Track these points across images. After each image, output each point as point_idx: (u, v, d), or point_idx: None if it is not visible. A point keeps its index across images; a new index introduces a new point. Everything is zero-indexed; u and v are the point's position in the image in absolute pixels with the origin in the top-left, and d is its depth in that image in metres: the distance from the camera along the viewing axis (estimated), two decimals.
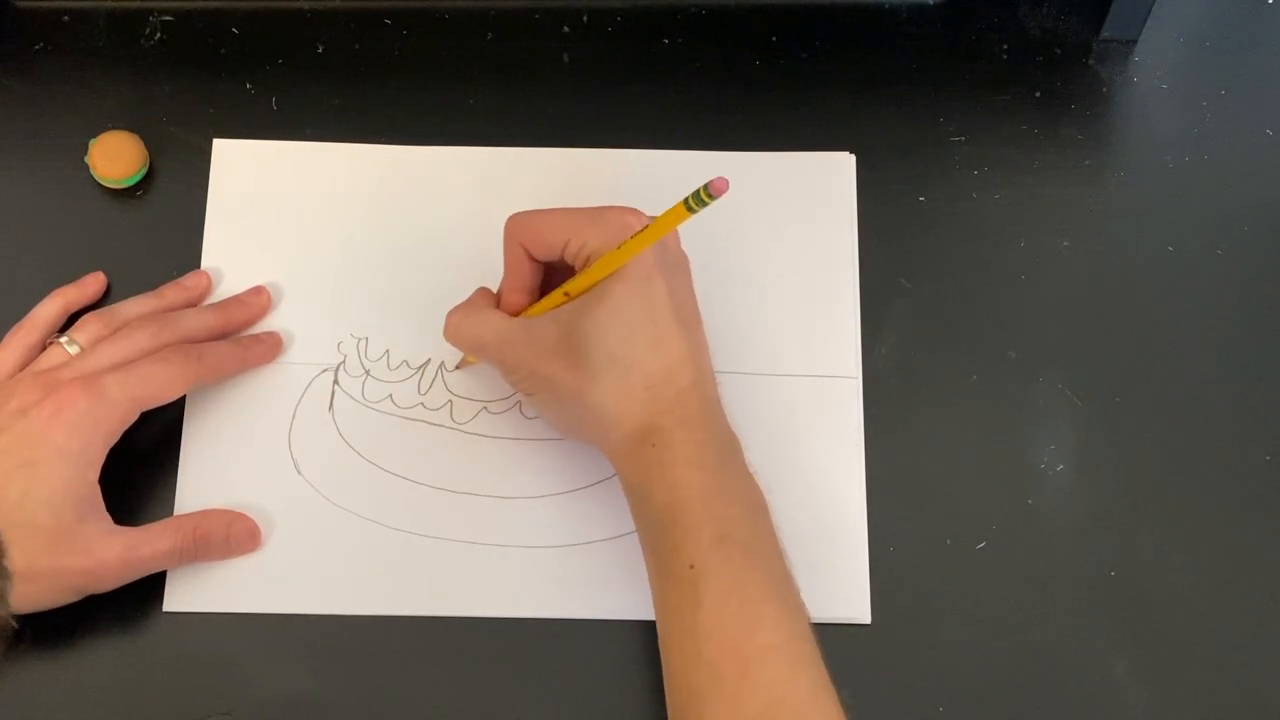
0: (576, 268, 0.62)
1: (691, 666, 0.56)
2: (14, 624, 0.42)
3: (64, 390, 0.61)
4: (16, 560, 0.59)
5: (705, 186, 0.54)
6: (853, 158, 0.73)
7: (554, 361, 0.60)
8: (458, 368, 0.69)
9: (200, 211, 0.71)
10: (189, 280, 0.69)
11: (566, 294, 0.62)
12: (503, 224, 0.71)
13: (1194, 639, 0.66)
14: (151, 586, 0.64)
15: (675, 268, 0.62)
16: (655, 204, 0.71)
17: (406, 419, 0.68)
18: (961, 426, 0.69)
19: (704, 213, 0.72)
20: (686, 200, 0.55)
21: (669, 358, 0.60)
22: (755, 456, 0.66)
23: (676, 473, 0.58)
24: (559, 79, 0.75)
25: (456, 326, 0.65)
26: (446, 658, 0.65)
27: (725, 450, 0.60)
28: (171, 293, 0.69)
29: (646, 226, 0.59)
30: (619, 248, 0.59)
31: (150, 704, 0.64)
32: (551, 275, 0.64)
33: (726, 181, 0.54)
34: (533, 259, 0.63)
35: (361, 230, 0.71)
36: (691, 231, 0.71)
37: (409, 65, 0.75)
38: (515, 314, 0.64)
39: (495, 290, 0.66)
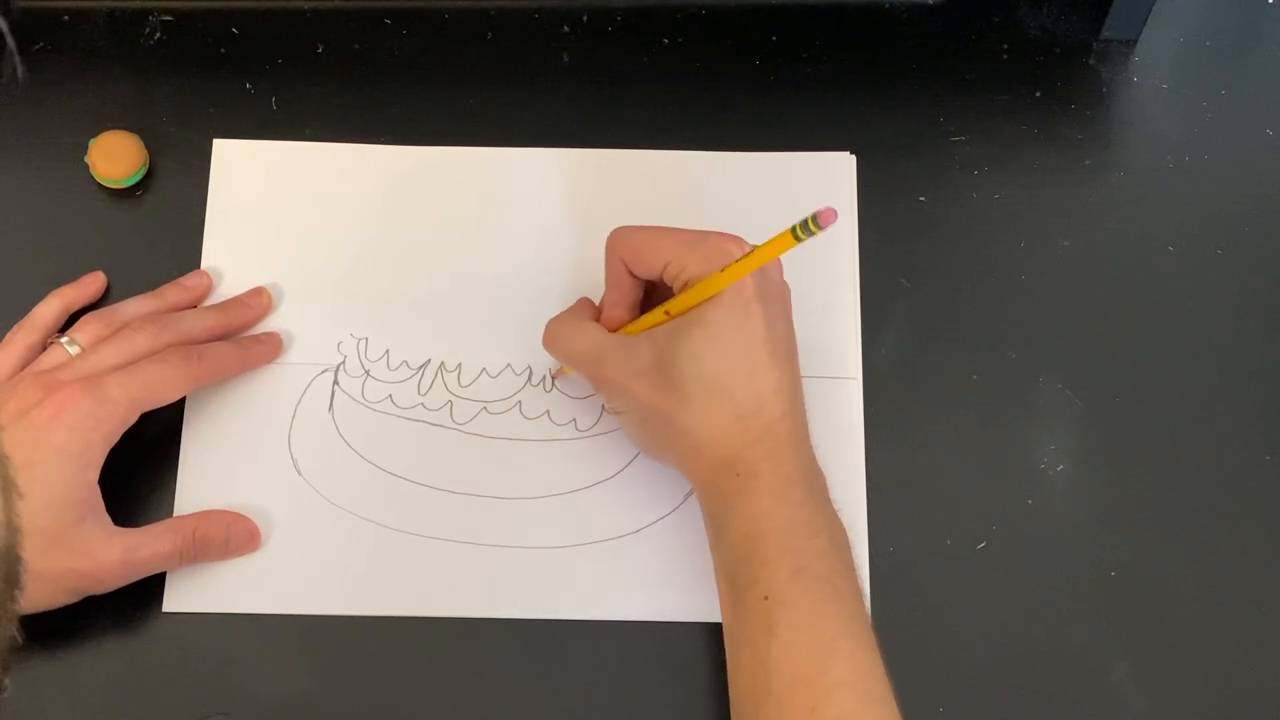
0: (675, 290, 0.61)
1: (761, 698, 0.56)
2: (20, 640, 0.42)
3: (64, 391, 0.61)
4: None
5: (814, 216, 0.53)
6: (853, 158, 0.73)
7: (646, 382, 0.60)
8: (555, 376, 0.69)
9: (200, 211, 0.71)
10: (189, 280, 0.69)
11: (667, 313, 0.61)
12: (502, 224, 0.72)
13: (1194, 639, 0.66)
14: (151, 587, 0.64)
15: (775, 298, 0.61)
16: (656, 204, 0.71)
17: (406, 419, 0.68)
18: (961, 426, 0.69)
19: (704, 213, 0.72)
20: (793, 229, 0.55)
21: (761, 389, 0.59)
22: None
23: (759, 504, 0.58)
24: (559, 79, 0.75)
25: (554, 336, 0.64)
26: (446, 658, 0.65)
27: (810, 485, 0.60)
28: (172, 293, 0.69)
29: (748, 254, 0.59)
30: (721, 272, 0.59)
31: (150, 704, 0.64)
32: (652, 292, 0.64)
33: (835, 212, 0.53)
34: (633, 275, 0.63)
35: (361, 230, 0.71)
36: None
37: (409, 65, 0.75)
38: (614, 329, 0.64)
39: (597, 302, 0.66)
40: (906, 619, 0.66)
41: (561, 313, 0.65)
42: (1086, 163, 0.74)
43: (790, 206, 0.72)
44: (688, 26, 0.76)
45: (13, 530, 0.39)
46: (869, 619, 0.58)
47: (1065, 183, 0.73)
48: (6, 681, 0.41)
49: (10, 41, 0.71)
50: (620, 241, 0.63)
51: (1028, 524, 0.67)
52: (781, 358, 0.60)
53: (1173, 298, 0.71)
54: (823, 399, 0.69)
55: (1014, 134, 0.74)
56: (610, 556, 0.66)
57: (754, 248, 0.59)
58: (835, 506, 0.60)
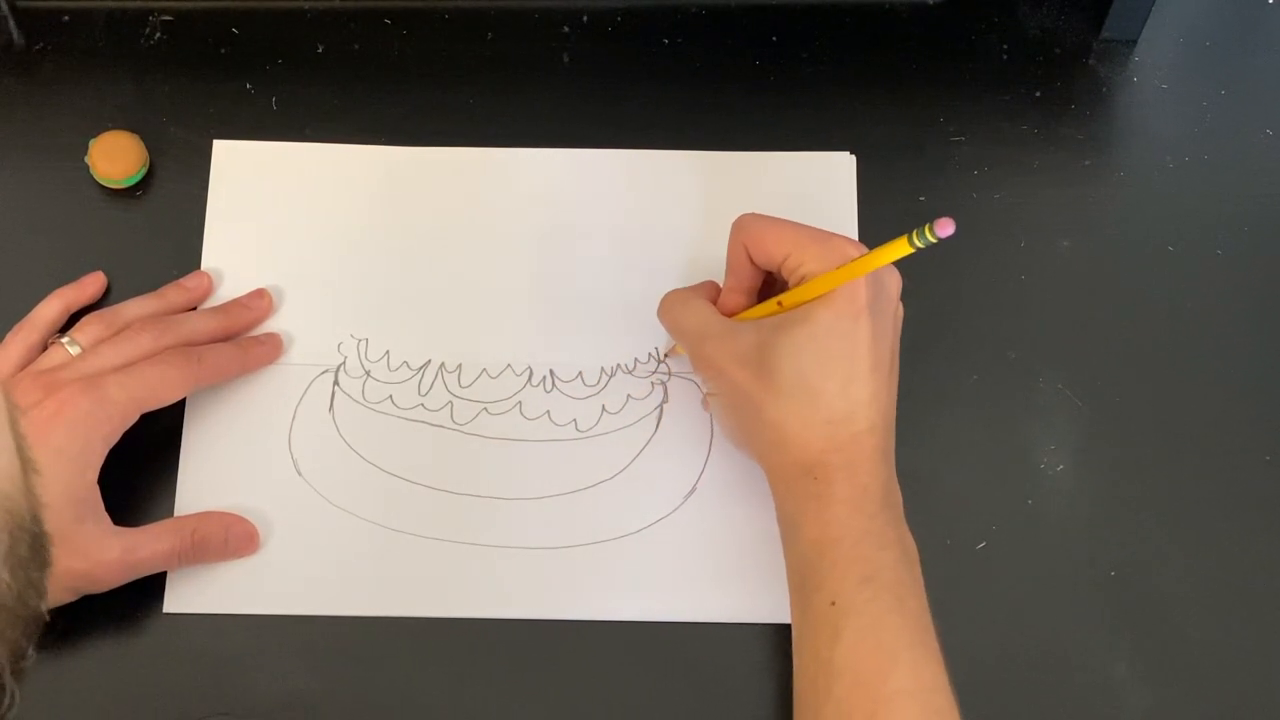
0: (791, 284, 0.61)
1: (822, 700, 0.56)
2: (46, 617, 0.43)
3: (64, 391, 0.61)
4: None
5: (930, 225, 0.53)
6: (853, 158, 0.73)
7: (744, 368, 0.60)
8: (667, 355, 0.69)
9: (200, 211, 0.71)
10: (190, 281, 0.69)
11: (779, 304, 0.61)
12: (502, 224, 0.71)
13: (1194, 639, 0.66)
14: (151, 587, 0.64)
15: (887, 313, 0.61)
16: (656, 204, 0.71)
17: (407, 420, 0.68)
18: (961, 426, 0.69)
19: (705, 213, 0.72)
20: (910, 235, 0.55)
21: (855, 398, 0.59)
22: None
23: (832, 510, 0.58)
24: (559, 79, 0.75)
25: (669, 306, 0.65)
26: (446, 659, 0.65)
27: (886, 500, 0.60)
28: (173, 294, 0.69)
29: (865, 255, 0.59)
30: (836, 270, 0.59)
31: (150, 704, 0.64)
32: (771, 284, 0.64)
33: (952, 223, 0.53)
34: (753, 263, 0.63)
35: (361, 231, 0.71)
36: (692, 232, 0.71)
37: (409, 65, 0.75)
38: (730, 314, 0.64)
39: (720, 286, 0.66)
40: None
41: (682, 288, 0.66)
42: (1086, 163, 0.74)
43: (790, 207, 0.72)
44: (688, 26, 0.76)
45: (34, 501, 0.39)
46: (935, 635, 0.58)
47: (1065, 183, 0.73)
48: (31, 652, 0.41)
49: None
50: (744, 228, 0.63)
51: (1028, 524, 0.67)
52: (881, 372, 0.60)
53: (1173, 298, 0.71)
54: None
55: (1014, 134, 0.74)
56: (610, 556, 0.66)
57: (871, 251, 0.59)
58: (903, 519, 0.60)
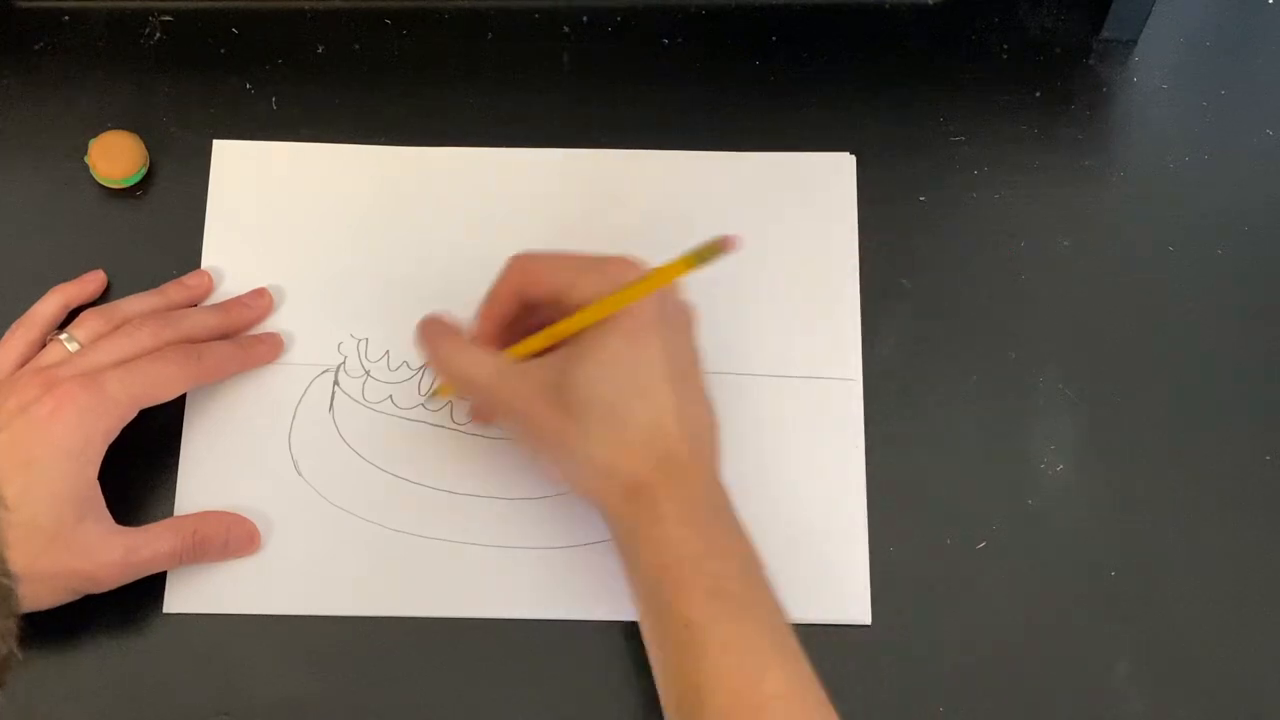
0: (568, 313, 0.60)
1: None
2: (19, 657, 0.42)
3: (64, 387, 0.61)
4: (16, 562, 0.59)
5: (717, 240, 0.53)
6: (853, 158, 0.73)
7: (546, 407, 0.59)
8: (432, 396, 0.68)
9: (200, 211, 0.71)
10: (191, 279, 0.69)
11: (553, 335, 0.61)
12: (502, 224, 0.71)
13: (1194, 639, 0.66)
14: (151, 587, 0.64)
15: (676, 322, 0.61)
16: (656, 204, 0.71)
17: (407, 420, 0.68)
18: (961, 427, 0.69)
19: (705, 214, 0.72)
20: (693, 253, 0.55)
21: (657, 412, 0.59)
22: (756, 458, 0.66)
23: (665, 530, 0.58)
24: (559, 79, 0.75)
25: (447, 360, 0.62)
26: (446, 659, 0.65)
27: (716, 505, 0.59)
28: (173, 291, 0.69)
29: (644, 277, 0.59)
30: (616, 294, 0.59)
31: (150, 705, 0.64)
32: (530, 323, 0.63)
33: (736, 239, 0.53)
34: (519, 297, 0.62)
35: (361, 230, 0.71)
36: (692, 232, 0.71)
37: (409, 65, 0.75)
38: (486, 345, 0.63)
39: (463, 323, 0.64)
40: (906, 619, 0.66)
41: (439, 334, 0.63)
42: (1086, 163, 0.74)
43: (790, 207, 0.72)
44: (688, 26, 0.76)
45: (1, 541, 0.39)
46: (794, 634, 0.57)
47: (1065, 183, 0.73)
48: (17, 654, 0.41)
49: None
50: (520, 268, 0.62)
51: (1028, 524, 0.67)
52: (681, 381, 0.60)
53: (1173, 298, 0.71)
54: (823, 399, 0.69)
55: (1014, 134, 0.74)
56: (610, 556, 0.66)
57: (652, 271, 0.59)
58: (740, 522, 0.60)
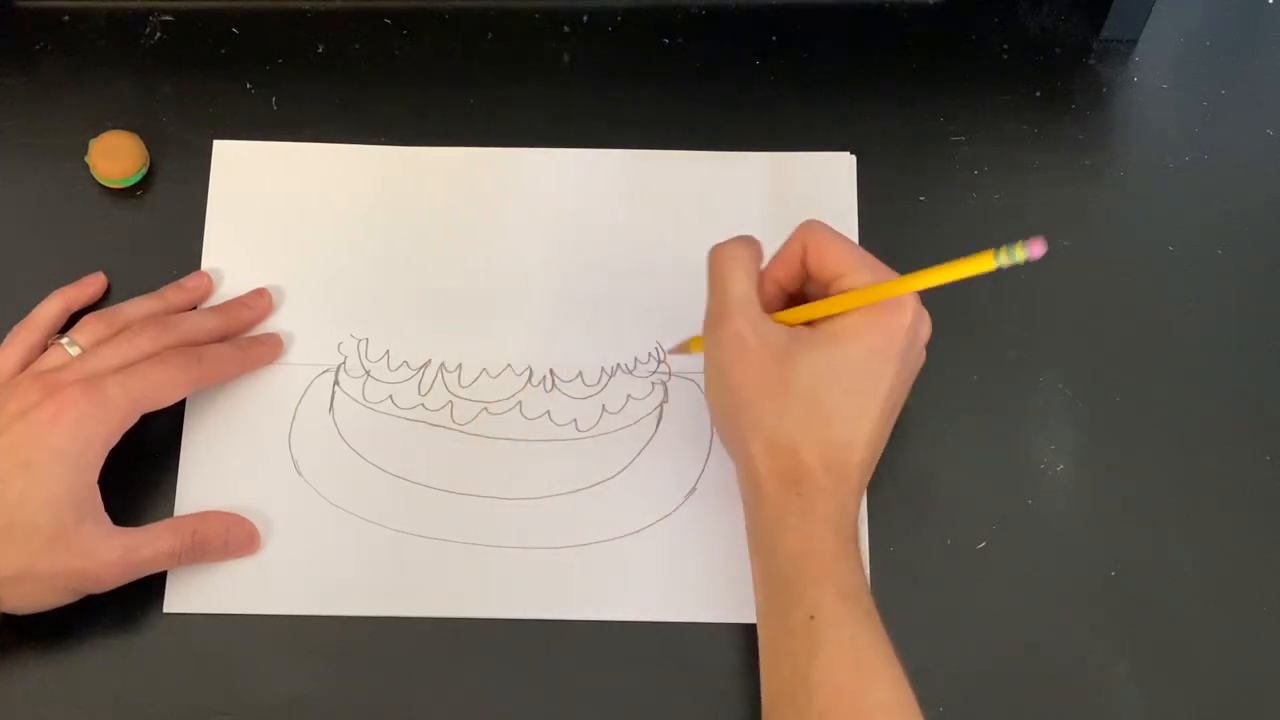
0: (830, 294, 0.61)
1: (802, 715, 0.56)
2: None
3: (64, 392, 0.61)
4: (14, 563, 0.59)
5: (1021, 243, 0.54)
6: (853, 158, 0.73)
7: (764, 360, 0.60)
8: (674, 351, 0.69)
9: (200, 211, 0.71)
10: (190, 282, 0.69)
11: (813, 311, 0.61)
12: (502, 224, 0.71)
13: (1194, 639, 0.66)
14: (151, 587, 0.64)
15: (912, 362, 0.62)
16: (656, 204, 0.71)
17: (407, 420, 0.68)
18: (961, 426, 0.69)
19: (706, 214, 0.72)
20: (996, 252, 0.56)
21: (860, 432, 0.60)
22: None
23: (813, 526, 0.59)
24: (559, 79, 0.75)
25: (722, 258, 0.62)
26: (446, 659, 0.65)
27: (855, 525, 0.61)
28: (173, 294, 0.69)
29: (909, 275, 0.59)
30: (873, 287, 0.59)
31: (150, 704, 0.64)
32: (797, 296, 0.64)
33: (1044, 243, 0.54)
34: (804, 265, 0.62)
35: (361, 230, 0.71)
36: (692, 232, 0.71)
37: (409, 65, 0.75)
38: (763, 300, 0.62)
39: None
40: (906, 619, 0.65)
41: (739, 244, 0.63)
42: (1086, 163, 0.74)
43: (790, 207, 0.72)
44: (688, 26, 0.76)
45: None
46: (898, 658, 0.59)
47: (1065, 183, 0.73)
48: None
49: None
50: (811, 233, 0.62)
51: (1028, 524, 0.67)
52: (890, 415, 0.61)
53: (1173, 298, 0.71)
54: None
55: (1014, 134, 0.74)
56: (610, 556, 0.66)
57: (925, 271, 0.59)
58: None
